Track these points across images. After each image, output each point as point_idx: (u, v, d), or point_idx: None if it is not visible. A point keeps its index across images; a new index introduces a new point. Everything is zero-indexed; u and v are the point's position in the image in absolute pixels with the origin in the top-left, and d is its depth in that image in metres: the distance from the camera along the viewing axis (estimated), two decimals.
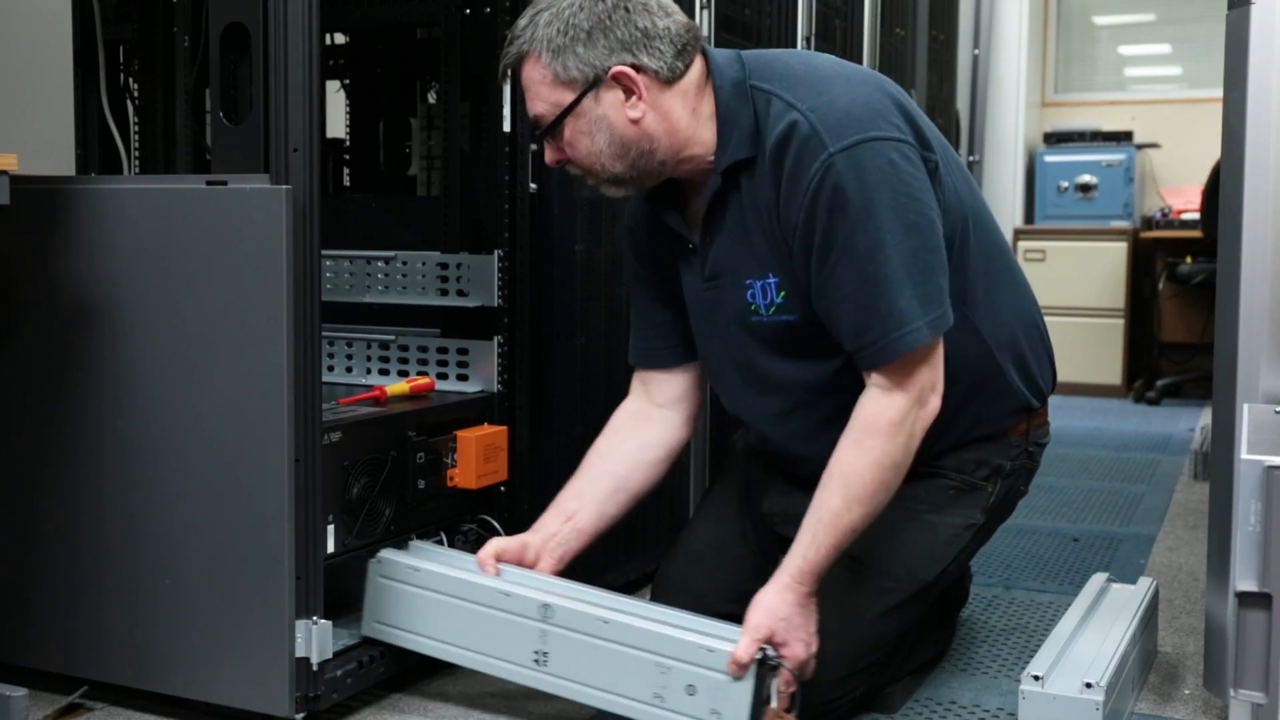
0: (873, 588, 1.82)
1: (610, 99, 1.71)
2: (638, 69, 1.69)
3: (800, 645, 1.69)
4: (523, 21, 1.72)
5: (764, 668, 1.63)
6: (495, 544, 1.87)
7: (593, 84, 1.70)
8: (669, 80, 1.72)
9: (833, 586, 1.76)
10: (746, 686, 1.63)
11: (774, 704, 1.64)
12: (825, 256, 1.66)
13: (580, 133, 1.72)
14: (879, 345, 1.65)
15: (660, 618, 1.73)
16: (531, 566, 1.87)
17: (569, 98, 1.71)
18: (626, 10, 1.70)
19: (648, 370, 1.99)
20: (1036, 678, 1.73)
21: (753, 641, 1.64)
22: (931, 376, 1.69)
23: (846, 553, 1.75)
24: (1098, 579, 2.19)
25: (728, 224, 1.78)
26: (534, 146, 2.10)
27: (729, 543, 2.01)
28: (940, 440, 1.82)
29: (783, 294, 1.76)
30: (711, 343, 1.89)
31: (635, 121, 1.71)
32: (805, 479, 1.81)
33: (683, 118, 1.73)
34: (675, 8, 1.75)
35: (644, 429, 1.97)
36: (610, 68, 1.69)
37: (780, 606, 1.68)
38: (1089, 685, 1.70)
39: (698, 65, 1.75)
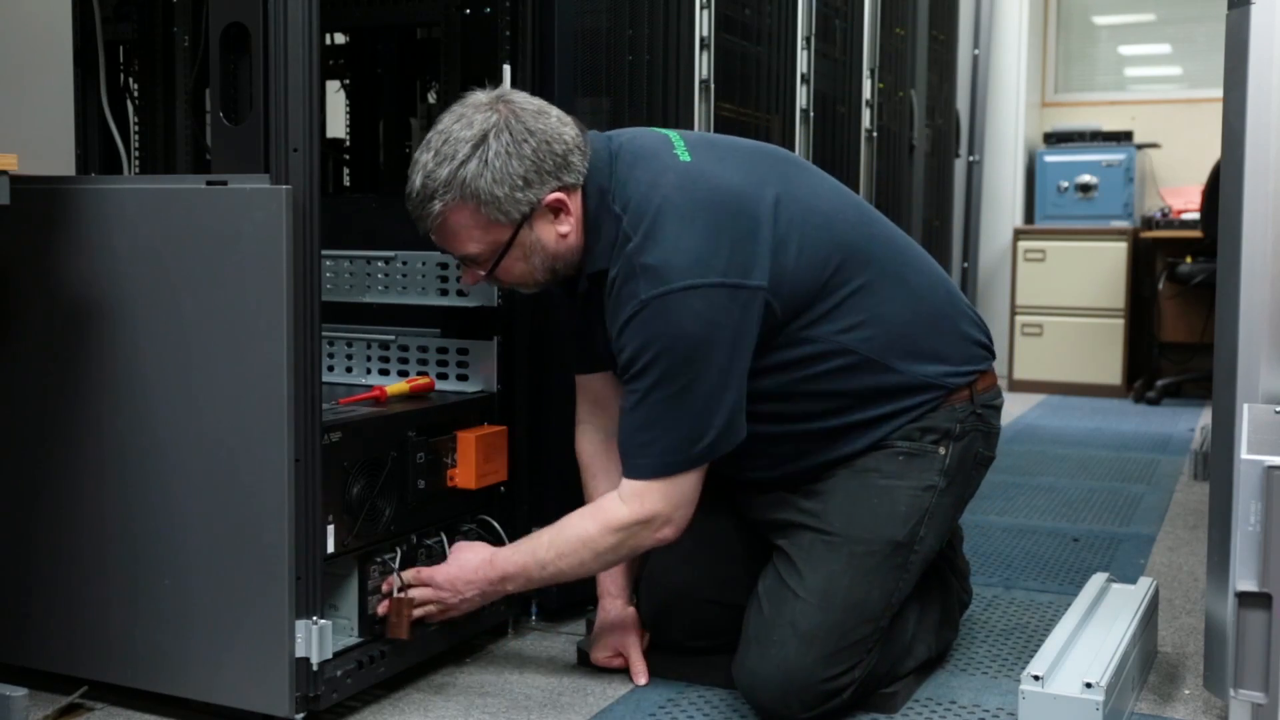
0: (844, 554, 1.86)
1: (542, 223, 1.81)
2: (565, 189, 1.80)
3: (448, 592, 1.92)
4: (437, 171, 1.76)
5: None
6: (615, 639, 2.06)
7: (527, 217, 1.79)
8: (582, 187, 1.83)
9: (805, 559, 1.86)
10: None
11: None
12: (623, 376, 1.81)
13: (516, 260, 1.83)
14: (631, 463, 1.81)
15: None
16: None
17: (506, 235, 1.80)
18: (547, 141, 1.78)
19: (597, 381, 2.03)
20: (1036, 678, 1.73)
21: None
22: (668, 509, 1.81)
23: (813, 527, 1.87)
24: (1098, 579, 2.19)
25: (596, 316, 1.88)
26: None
27: (706, 535, 2.04)
28: (870, 431, 1.91)
29: None
30: None
31: (564, 236, 1.83)
32: (761, 483, 1.97)
33: (580, 220, 1.84)
34: (555, 110, 1.83)
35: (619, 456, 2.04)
36: (543, 199, 1.78)
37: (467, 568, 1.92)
38: (1089, 685, 1.70)
39: None
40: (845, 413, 1.89)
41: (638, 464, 1.80)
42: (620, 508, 1.82)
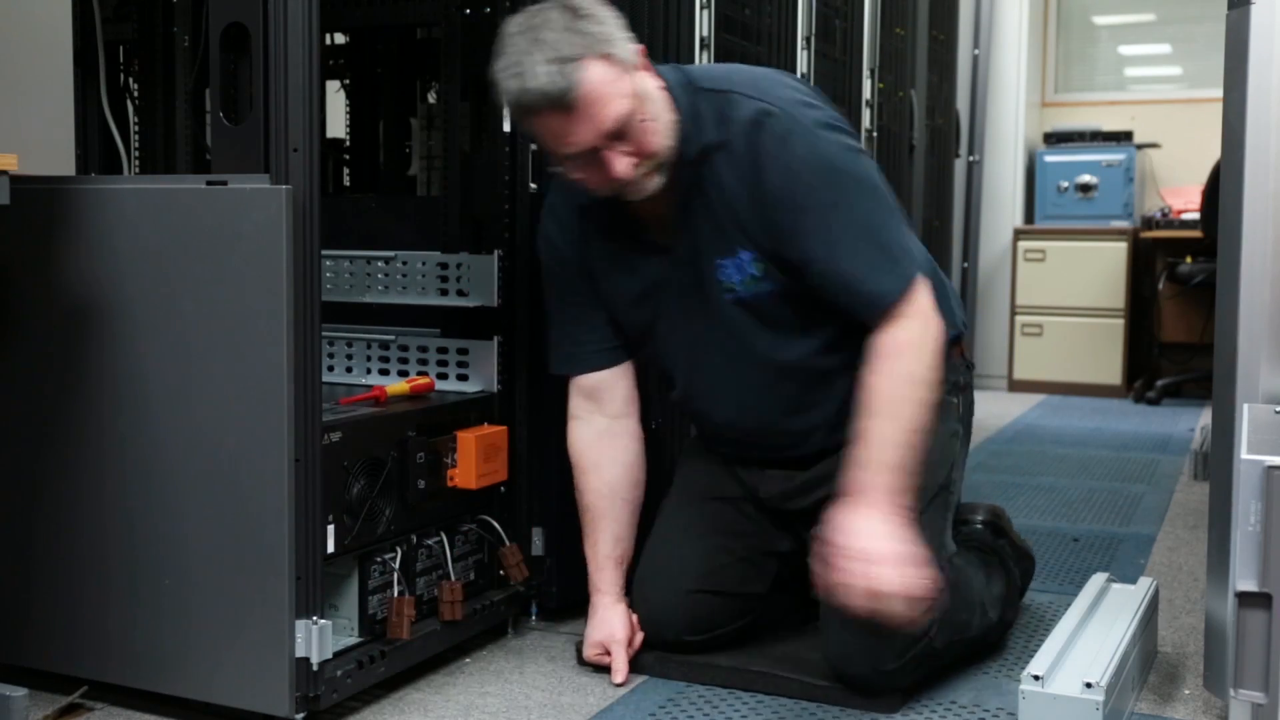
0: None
1: (644, 78, 1.79)
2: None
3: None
4: (562, 46, 1.69)
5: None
6: (597, 637, 2.02)
7: (635, 65, 1.77)
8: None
9: None
10: None
11: None
12: (825, 220, 1.78)
13: (649, 117, 1.78)
14: (883, 280, 1.78)
15: None
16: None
17: (637, 81, 1.76)
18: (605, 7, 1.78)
19: (591, 376, 2.03)
20: (1036, 677, 1.73)
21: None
22: (930, 297, 1.82)
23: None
24: (1098, 579, 2.19)
25: (696, 210, 1.85)
26: (534, 147, 2.10)
27: (696, 524, 2.05)
28: None
29: (759, 266, 1.85)
30: (681, 335, 1.95)
31: (662, 91, 1.81)
32: (787, 461, 1.98)
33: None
34: None
35: (620, 449, 2.05)
36: (638, 48, 1.78)
37: (854, 522, 1.73)
38: (1089, 685, 1.70)
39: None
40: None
41: (892, 276, 1.79)
42: (900, 326, 1.78)
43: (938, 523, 1.94)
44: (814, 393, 1.93)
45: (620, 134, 1.75)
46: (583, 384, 2.05)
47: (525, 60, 1.70)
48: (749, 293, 1.87)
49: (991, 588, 2.07)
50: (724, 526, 2.07)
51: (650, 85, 1.79)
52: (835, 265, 1.79)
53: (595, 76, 1.70)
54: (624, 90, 1.73)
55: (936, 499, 1.94)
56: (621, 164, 1.76)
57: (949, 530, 2.00)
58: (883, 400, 1.76)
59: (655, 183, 1.81)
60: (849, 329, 1.85)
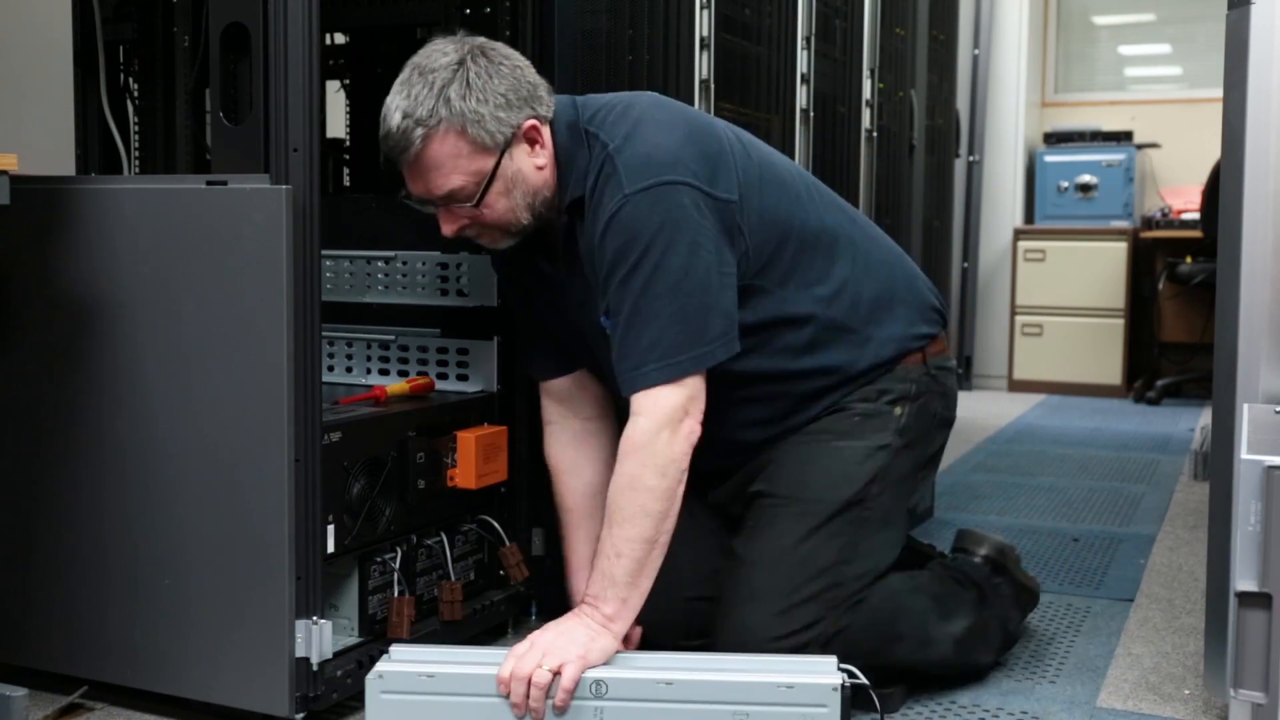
0: (791, 514, 1.87)
1: (520, 154, 1.77)
2: (538, 119, 1.78)
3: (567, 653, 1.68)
4: (424, 103, 1.71)
5: (845, 691, 1.61)
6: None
7: (508, 143, 1.75)
8: (550, 124, 1.81)
9: (754, 526, 1.89)
10: (834, 715, 1.60)
11: None
12: (609, 285, 1.74)
13: (499, 195, 1.77)
14: (632, 375, 1.72)
15: (722, 665, 1.68)
16: None
17: (490, 163, 1.75)
18: (519, 68, 1.78)
19: (558, 381, 2.00)
20: None
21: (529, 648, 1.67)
22: (683, 401, 1.72)
23: (766, 493, 1.88)
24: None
25: (574, 260, 1.84)
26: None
27: (685, 531, 2.02)
28: (827, 396, 1.93)
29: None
30: (600, 360, 1.92)
31: (540, 169, 1.79)
32: (713, 472, 1.95)
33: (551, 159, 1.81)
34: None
35: (594, 448, 2.01)
36: (522, 124, 1.76)
37: (566, 628, 1.71)
38: None
39: None
40: (808, 376, 1.90)
41: (642, 372, 1.72)
42: (636, 424, 1.72)
43: (839, 537, 1.87)
44: (720, 412, 1.87)
45: (456, 201, 1.77)
46: (551, 389, 2.02)
47: (395, 98, 1.74)
48: None
49: (947, 624, 1.98)
50: (712, 529, 2.04)
51: (519, 164, 1.77)
52: (620, 335, 1.74)
53: (437, 150, 1.72)
54: (465, 169, 1.74)
55: (841, 514, 1.87)
56: (449, 225, 1.80)
57: (865, 549, 1.90)
58: (613, 507, 1.73)
59: (505, 242, 1.84)
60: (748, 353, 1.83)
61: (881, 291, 1.97)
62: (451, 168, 1.74)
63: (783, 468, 1.91)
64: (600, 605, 1.72)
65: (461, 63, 1.73)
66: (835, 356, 1.92)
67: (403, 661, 1.69)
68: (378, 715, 1.67)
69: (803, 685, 1.62)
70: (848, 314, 1.92)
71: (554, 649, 1.67)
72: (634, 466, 1.72)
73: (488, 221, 1.80)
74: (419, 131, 1.71)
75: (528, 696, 1.64)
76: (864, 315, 1.93)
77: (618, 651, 1.73)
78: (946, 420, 2.05)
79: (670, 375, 1.72)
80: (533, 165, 1.78)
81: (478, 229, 1.82)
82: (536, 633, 1.71)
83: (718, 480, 2.01)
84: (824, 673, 1.64)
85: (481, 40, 1.79)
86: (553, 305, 1.96)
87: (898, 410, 1.94)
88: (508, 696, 1.65)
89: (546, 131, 1.80)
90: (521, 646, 1.68)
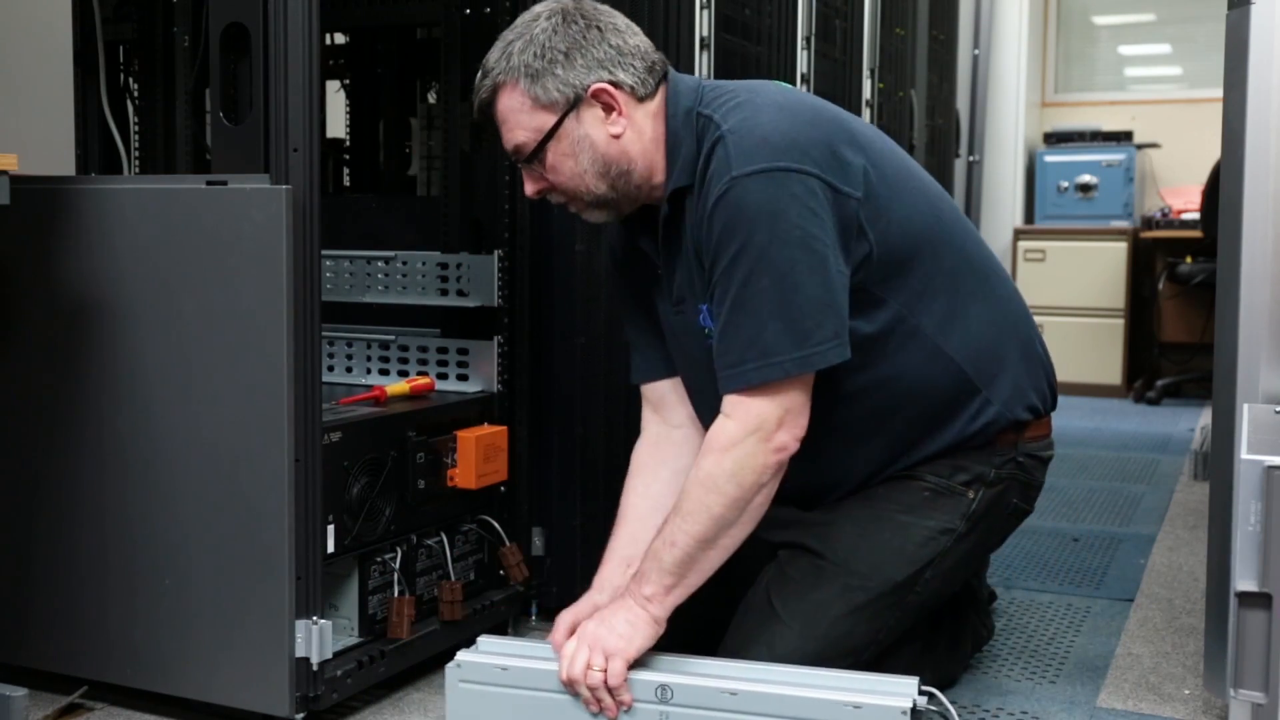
0: (837, 585, 1.78)
1: (590, 117, 1.72)
2: (615, 85, 1.71)
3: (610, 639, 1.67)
4: (494, 54, 1.73)
5: (916, 715, 1.58)
6: (567, 619, 1.78)
7: (573, 104, 1.71)
8: (642, 98, 1.74)
9: (797, 583, 1.78)
10: None
11: None
12: (712, 276, 1.67)
13: (563, 155, 1.73)
14: (732, 372, 1.64)
15: (786, 678, 1.65)
16: None
17: (550, 121, 1.71)
18: (599, 30, 1.72)
19: (654, 385, 1.93)
20: None
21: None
22: (778, 412, 1.64)
23: (814, 550, 1.79)
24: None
25: (678, 250, 1.78)
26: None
27: None
28: (913, 450, 1.82)
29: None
30: (684, 366, 1.88)
31: (616, 138, 1.72)
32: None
33: (653, 139, 1.74)
34: (639, 30, 1.77)
35: (671, 456, 1.90)
36: (590, 85, 1.70)
37: (606, 616, 1.69)
38: None
39: (661, 91, 1.76)
40: (893, 412, 1.79)
41: (740, 370, 1.62)
42: (724, 424, 1.64)
43: (877, 619, 1.78)
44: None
45: (522, 158, 1.75)
46: (648, 393, 1.95)
47: (491, 55, 1.74)
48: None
49: (933, 648, 1.95)
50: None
51: (587, 128, 1.71)
52: (720, 330, 1.67)
53: (505, 104, 1.72)
54: (527, 124, 1.71)
55: (888, 596, 1.78)
56: (529, 184, 1.77)
57: (893, 627, 1.81)
58: (683, 496, 1.67)
59: (595, 215, 1.79)
60: (845, 380, 1.73)
61: (1001, 346, 1.83)
62: (515, 122, 1.73)
63: (839, 529, 1.81)
64: (642, 584, 1.68)
65: (535, 19, 1.72)
66: (930, 397, 1.79)
67: (483, 652, 1.75)
68: (455, 704, 1.72)
69: (870, 706, 1.57)
70: (959, 352, 1.79)
71: (597, 642, 1.66)
72: (711, 465, 1.65)
73: (558, 186, 1.75)
74: (486, 84, 1.73)
75: (596, 699, 1.65)
76: (974, 363, 1.80)
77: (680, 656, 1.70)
78: (1022, 512, 1.94)
79: (769, 375, 1.62)
80: (606, 133, 1.72)
81: (557, 195, 1.77)
82: (582, 624, 1.71)
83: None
84: (899, 694, 1.59)
85: (587, 1, 1.75)
86: (656, 306, 1.89)
87: (970, 494, 1.83)
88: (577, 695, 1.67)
89: (626, 100, 1.72)
90: (570, 645, 1.68)
